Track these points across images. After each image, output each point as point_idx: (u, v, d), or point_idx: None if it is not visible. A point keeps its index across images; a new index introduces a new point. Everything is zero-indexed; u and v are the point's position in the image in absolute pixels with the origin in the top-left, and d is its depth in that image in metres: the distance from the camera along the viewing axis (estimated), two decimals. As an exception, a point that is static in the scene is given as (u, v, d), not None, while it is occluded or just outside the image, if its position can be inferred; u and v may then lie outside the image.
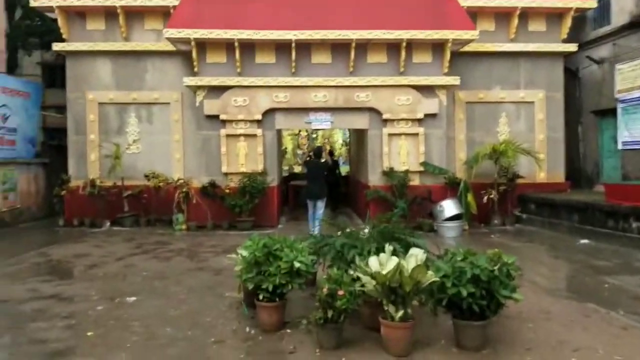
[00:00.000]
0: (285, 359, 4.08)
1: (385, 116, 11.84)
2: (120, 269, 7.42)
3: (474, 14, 12.48)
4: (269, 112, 11.97)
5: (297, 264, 4.42)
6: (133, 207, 12.22)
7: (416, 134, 11.92)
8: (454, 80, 11.79)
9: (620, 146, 12.52)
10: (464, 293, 3.92)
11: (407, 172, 11.72)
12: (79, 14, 12.65)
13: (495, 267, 3.98)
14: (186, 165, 12.65)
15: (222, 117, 11.81)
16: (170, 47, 12.18)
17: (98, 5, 12.20)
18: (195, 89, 11.93)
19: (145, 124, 12.88)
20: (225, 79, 11.73)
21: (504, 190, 12.09)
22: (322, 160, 12.30)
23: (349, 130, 18.26)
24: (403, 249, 4.97)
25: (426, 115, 11.91)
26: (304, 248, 4.83)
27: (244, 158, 11.93)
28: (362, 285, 4.11)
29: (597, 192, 12.46)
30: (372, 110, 11.96)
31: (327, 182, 15.34)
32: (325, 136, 25.91)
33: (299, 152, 26.05)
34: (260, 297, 4.58)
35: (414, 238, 5.20)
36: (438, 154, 12.07)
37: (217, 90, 11.86)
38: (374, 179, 12.04)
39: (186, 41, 11.51)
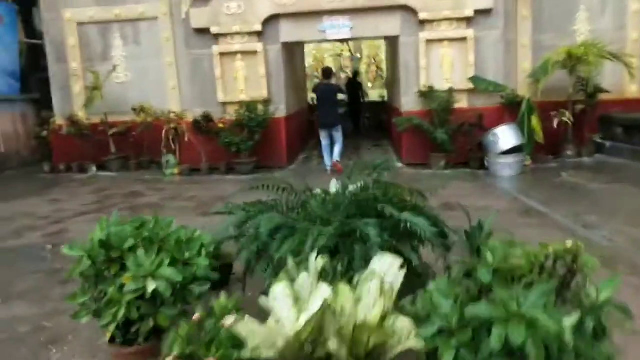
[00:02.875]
0: None
1: (422, 16, 8.96)
2: (38, 239, 5.54)
3: None
4: (272, 21, 9.41)
5: (151, 285, 2.21)
6: (121, 148, 10.34)
7: (464, 39, 9.01)
8: (516, -40, 8.66)
9: None
10: (485, 383, 1.59)
11: (451, 91, 8.96)
12: None
13: (570, 323, 1.58)
14: (183, 95, 10.47)
15: (214, 30, 9.40)
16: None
17: None
18: (178, -5, 9.55)
19: (132, 46, 10.69)
20: (215, -21, 9.23)
21: (581, 111, 9.13)
22: (333, 82, 9.79)
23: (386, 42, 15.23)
24: (389, 233, 2.65)
25: (477, 13, 8.93)
26: (203, 237, 2.60)
27: (243, 82, 9.58)
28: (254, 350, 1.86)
29: None
30: (404, 8, 9.09)
31: (352, 108, 13.19)
32: (371, 55, 23.09)
33: (342, 75, 23.56)
34: (108, 335, 2.46)
35: (414, 213, 2.80)
36: (493, 64, 9.17)
37: (207, -4, 9.41)
38: (408, 103, 9.39)
39: None
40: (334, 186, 3.44)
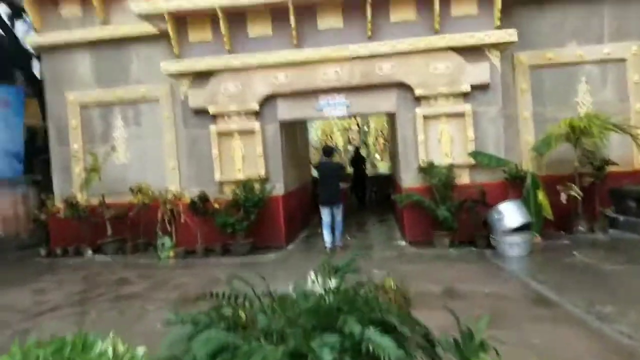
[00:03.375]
0: None
1: (417, 92, 8.90)
2: (5, 339, 5.17)
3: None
4: (269, 100, 9.42)
5: None
6: (118, 230, 10.10)
7: (461, 114, 8.88)
8: (510, 35, 8.62)
9: None
10: None
11: (451, 166, 8.73)
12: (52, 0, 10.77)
13: None
14: (183, 174, 10.35)
15: (211, 109, 9.41)
16: (155, 30, 9.98)
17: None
18: (177, 77, 9.64)
19: (133, 127, 10.76)
20: (211, 60, 9.31)
21: (590, 184, 8.81)
22: (335, 160, 10.09)
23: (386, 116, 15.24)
24: (352, 354, 2.28)
25: (474, 88, 8.85)
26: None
27: (240, 161, 9.47)
28: None
29: None
30: (400, 85, 9.07)
31: (356, 182, 14.15)
32: (378, 128, 23.31)
33: (350, 147, 23.81)
34: None
35: (382, 329, 2.42)
36: (494, 139, 8.96)
37: (204, 77, 9.47)
38: (408, 179, 9.14)
39: (160, 16, 9.22)
40: (311, 281, 3.12)
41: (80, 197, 10.37)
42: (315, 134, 24.73)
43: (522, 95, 9.64)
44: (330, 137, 24.87)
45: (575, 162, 8.83)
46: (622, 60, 9.43)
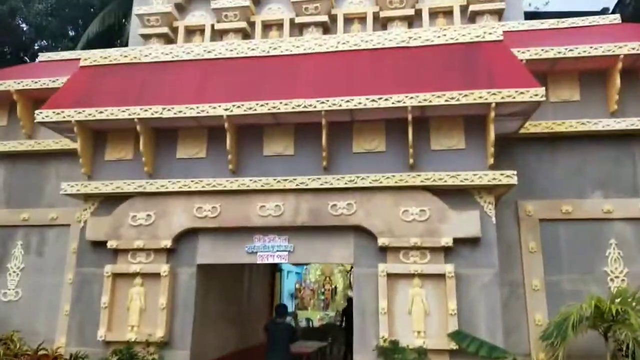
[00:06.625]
0: None
1: (381, 241, 6.48)
2: None
3: (543, 76, 7.44)
4: (188, 235, 7.12)
5: None
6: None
7: (441, 276, 6.35)
8: (506, 177, 6.36)
9: None
10: None
11: (423, 351, 5.98)
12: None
13: None
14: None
15: (111, 244, 7.13)
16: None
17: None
18: (83, 199, 7.59)
19: (33, 257, 8.58)
20: (122, 182, 7.27)
21: (631, 395, 5.86)
22: (287, 321, 7.82)
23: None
24: None
25: (459, 242, 6.42)
26: None
27: (137, 315, 6.92)
28: None
29: None
30: (359, 230, 6.70)
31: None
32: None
33: (350, 293, 21.13)
34: None
35: None
36: (487, 315, 6.27)
37: (115, 203, 7.39)
38: (363, 361, 6.39)
39: (70, 128, 7.41)
40: None
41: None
42: (314, 275, 22.32)
43: (531, 257, 7.19)
44: (330, 279, 22.43)
45: (607, 357, 6.00)
46: (666, 220, 7.02)
